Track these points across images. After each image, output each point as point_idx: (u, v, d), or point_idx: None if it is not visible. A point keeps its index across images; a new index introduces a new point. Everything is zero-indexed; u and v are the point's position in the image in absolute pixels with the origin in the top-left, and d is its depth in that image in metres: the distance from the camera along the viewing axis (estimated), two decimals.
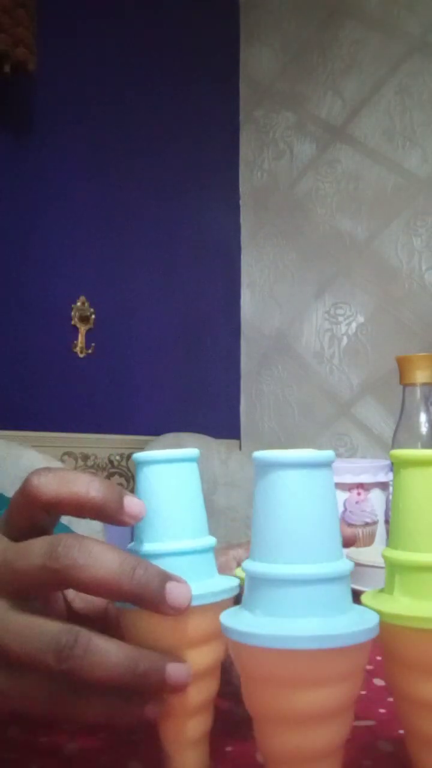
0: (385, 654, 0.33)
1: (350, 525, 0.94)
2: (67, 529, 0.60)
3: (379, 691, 0.47)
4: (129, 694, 0.34)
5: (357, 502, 0.94)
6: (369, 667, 0.31)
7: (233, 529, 1.85)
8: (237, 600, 0.36)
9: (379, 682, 0.49)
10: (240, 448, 2.43)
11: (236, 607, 0.32)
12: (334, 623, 0.29)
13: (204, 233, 2.41)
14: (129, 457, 2.03)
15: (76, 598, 0.42)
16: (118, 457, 2.03)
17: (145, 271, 2.17)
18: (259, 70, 2.55)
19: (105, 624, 0.37)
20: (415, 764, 0.33)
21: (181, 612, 0.32)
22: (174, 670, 0.33)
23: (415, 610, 0.32)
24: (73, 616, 0.41)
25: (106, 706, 0.34)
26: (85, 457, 1.95)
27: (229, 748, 0.39)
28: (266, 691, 0.30)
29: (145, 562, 0.33)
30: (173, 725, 0.35)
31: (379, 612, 0.31)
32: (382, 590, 0.34)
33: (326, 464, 0.31)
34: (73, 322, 1.95)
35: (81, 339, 1.96)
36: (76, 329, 1.95)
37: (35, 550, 0.33)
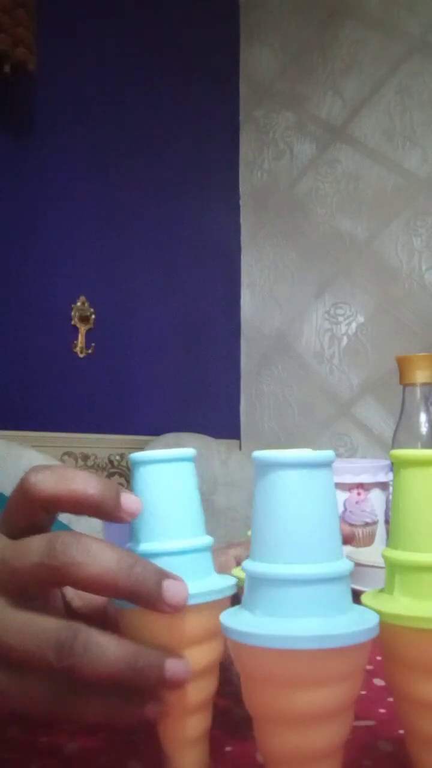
0: (385, 654, 0.33)
1: (350, 525, 0.94)
2: (64, 527, 0.60)
3: (379, 691, 0.47)
4: (129, 693, 0.34)
5: (357, 502, 0.94)
6: (369, 667, 0.31)
7: (233, 529, 1.85)
8: (235, 599, 0.36)
9: (379, 682, 0.49)
10: (240, 448, 2.43)
11: (236, 607, 0.32)
12: (334, 623, 0.29)
13: (204, 233, 2.41)
14: None
15: (75, 597, 0.42)
16: (118, 457, 2.03)
17: (145, 271, 2.17)
18: (259, 70, 2.55)
19: (103, 623, 0.37)
20: (415, 764, 0.33)
21: (177, 610, 0.32)
22: (173, 666, 0.33)
23: (415, 610, 0.32)
24: (71, 615, 0.41)
25: (106, 706, 0.34)
26: (85, 457, 1.95)
27: (229, 748, 0.39)
28: (266, 691, 0.30)
29: (142, 559, 0.33)
30: (172, 724, 0.35)
31: (379, 612, 0.31)
32: (382, 590, 0.34)
33: (326, 464, 0.31)
34: (73, 322, 1.95)
35: (81, 339, 1.96)
36: (76, 329, 1.95)
37: (33, 547, 0.33)
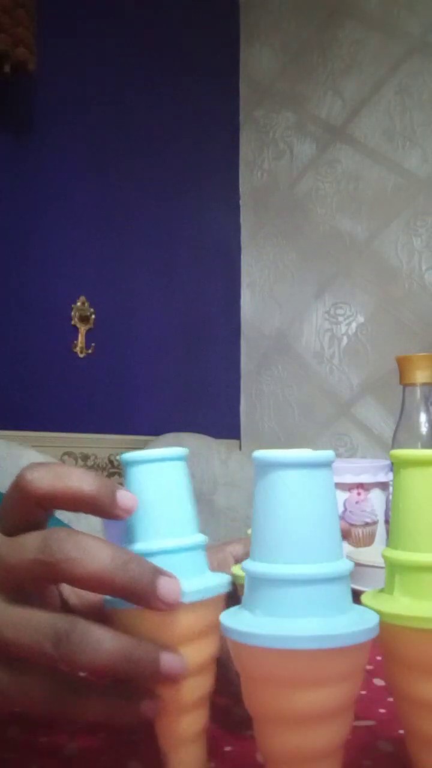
0: (385, 654, 0.33)
1: (350, 525, 0.94)
2: (61, 524, 0.60)
3: (379, 691, 0.47)
4: (128, 692, 0.34)
5: (357, 502, 0.94)
6: (369, 667, 0.31)
7: (233, 529, 1.85)
8: (230, 596, 0.36)
9: (379, 682, 0.49)
10: (240, 448, 2.43)
11: (236, 607, 0.32)
12: (334, 623, 0.29)
13: (204, 233, 2.41)
14: None
15: (72, 594, 0.42)
16: (118, 457, 2.03)
17: (145, 271, 2.17)
18: (259, 70, 2.55)
19: (100, 620, 0.38)
20: (415, 764, 0.33)
21: (172, 607, 0.33)
22: (168, 660, 0.33)
23: (415, 610, 0.32)
24: (68, 613, 0.41)
25: (105, 705, 0.34)
26: (85, 457, 1.95)
27: (229, 748, 0.39)
28: (266, 691, 0.30)
29: (137, 557, 0.33)
30: (169, 722, 0.35)
31: (379, 612, 0.31)
32: (382, 590, 0.34)
33: (326, 464, 0.31)
34: (73, 322, 1.95)
35: (81, 339, 1.96)
36: (76, 329, 1.95)
37: (29, 544, 0.33)
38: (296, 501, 0.30)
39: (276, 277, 2.47)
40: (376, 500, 0.95)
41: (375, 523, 0.95)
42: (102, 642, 0.32)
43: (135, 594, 0.33)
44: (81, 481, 0.34)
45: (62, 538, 0.32)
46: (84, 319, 1.97)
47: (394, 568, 0.34)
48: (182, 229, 2.31)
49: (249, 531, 0.42)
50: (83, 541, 0.33)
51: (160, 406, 2.18)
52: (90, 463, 1.96)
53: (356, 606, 0.31)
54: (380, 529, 0.95)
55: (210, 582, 0.35)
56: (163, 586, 0.32)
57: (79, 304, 1.96)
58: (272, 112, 2.51)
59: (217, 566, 0.38)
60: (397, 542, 0.33)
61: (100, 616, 0.35)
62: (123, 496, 0.35)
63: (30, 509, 0.35)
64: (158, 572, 0.33)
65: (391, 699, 0.41)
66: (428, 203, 2.17)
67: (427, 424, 0.93)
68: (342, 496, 0.94)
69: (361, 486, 0.95)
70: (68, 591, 0.41)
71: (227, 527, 1.87)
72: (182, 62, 2.33)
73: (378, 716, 0.44)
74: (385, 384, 2.18)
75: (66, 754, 0.39)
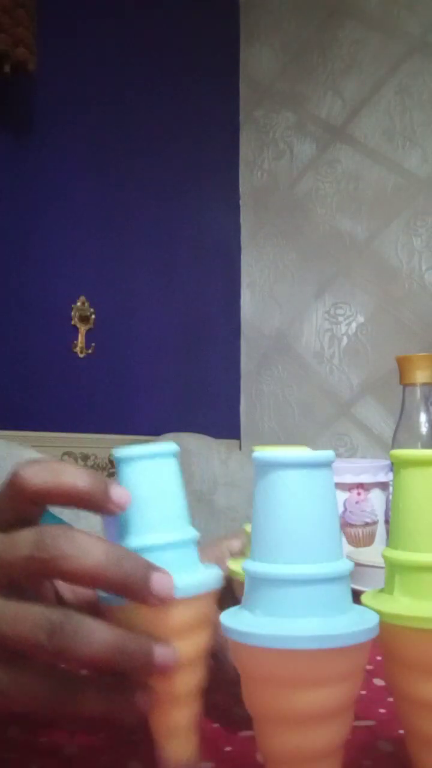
0: (385, 654, 0.33)
1: (350, 525, 0.94)
2: (54, 520, 0.60)
3: (379, 691, 0.47)
4: (123, 687, 0.34)
5: (357, 502, 0.94)
6: (369, 667, 0.31)
7: (233, 530, 1.85)
8: (225, 591, 0.37)
9: (379, 682, 0.49)
10: (240, 448, 2.43)
11: (236, 607, 0.32)
12: (334, 623, 0.29)
13: (204, 233, 2.41)
14: None
15: (66, 590, 0.42)
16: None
17: (145, 271, 2.17)
18: (259, 70, 2.55)
19: (94, 615, 0.38)
20: (415, 764, 0.33)
21: (165, 602, 0.33)
22: (160, 652, 0.33)
23: (415, 610, 0.32)
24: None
25: (101, 699, 0.34)
26: (85, 457, 1.95)
27: (229, 748, 0.39)
28: (266, 691, 0.30)
29: (130, 553, 0.34)
30: (162, 714, 0.35)
31: (379, 612, 0.31)
32: (382, 590, 0.34)
33: (326, 464, 0.31)
34: (73, 322, 1.95)
35: (81, 339, 1.96)
36: (76, 329, 1.95)
37: (23, 540, 0.33)
38: (296, 501, 0.30)
39: (276, 277, 2.47)
40: (376, 500, 0.95)
41: (375, 523, 0.95)
42: (96, 634, 0.32)
43: (129, 589, 0.33)
44: (74, 477, 0.35)
45: (56, 535, 0.33)
46: (84, 319, 1.97)
47: (394, 568, 0.34)
48: (182, 229, 2.31)
49: (246, 527, 0.43)
50: (77, 538, 0.33)
51: (160, 406, 2.18)
52: (90, 463, 1.96)
53: (356, 606, 0.31)
54: (380, 529, 0.95)
55: (202, 577, 0.36)
56: (157, 582, 0.33)
57: (79, 304, 1.96)
58: (272, 112, 2.51)
59: (214, 561, 0.39)
60: (397, 542, 0.33)
61: (94, 611, 0.35)
62: (116, 492, 0.35)
63: (24, 505, 0.35)
64: (151, 568, 0.33)
65: (391, 699, 0.41)
66: (428, 203, 2.17)
67: (427, 424, 0.93)
68: (342, 496, 0.94)
69: (361, 486, 0.95)
70: (63, 586, 0.42)
71: (227, 527, 1.87)
72: (182, 62, 2.33)
73: (378, 716, 0.44)
74: (385, 384, 2.18)
75: (66, 754, 0.39)
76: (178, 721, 0.36)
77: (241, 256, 2.54)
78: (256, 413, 2.48)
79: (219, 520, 1.90)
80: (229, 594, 0.41)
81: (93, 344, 1.98)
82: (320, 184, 2.38)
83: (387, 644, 0.32)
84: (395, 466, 0.34)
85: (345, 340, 2.31)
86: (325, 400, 2.33)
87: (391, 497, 0.35)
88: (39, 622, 0.32)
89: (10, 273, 1.80)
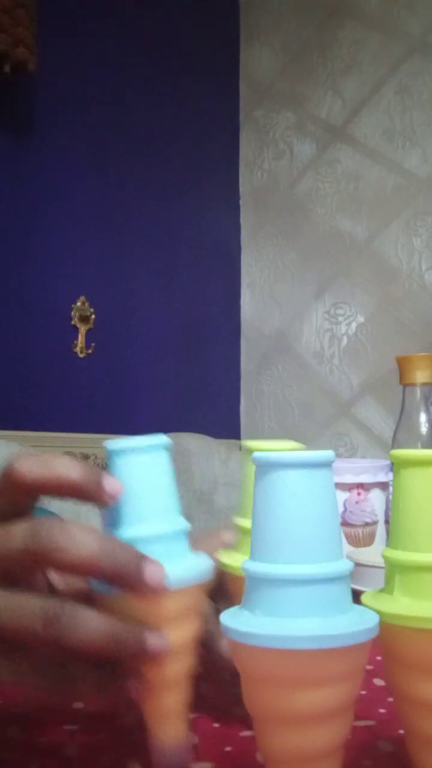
0: (385, 654, 0.33)
1: (350, 525, 0.94)
2: (44, 514, 0.61)
3: (379, 691, 0.47)
4: (116, 672, 0.35)
5: (357, 502, 0.94)
6: (369, 667, 0.31)
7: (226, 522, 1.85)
8: (217, 584, 0.38)
9: (379, 682, 0.49)
10: (240, 448, 2.43)
11: (236, 607, 0.32)
12: (334, 623, 0.29)
13: (204, 233, 2.41)
14: None
15: (58, 581, 0.43)
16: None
17: (145, 271, 2.17)
18: (259, 70, 2.55)
19: (87, 605, 0.39)
20: (415, 764, 0.33)
21: (157, 592, 0.34)
22: (152, 639, 0.34)
23: (415, 610, 0.32)
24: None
25: (94, 684, 0.35)
26: (85, 457, 1.95)
27: (229, 748, 0.39)
28: (266, 691, 0.30)
29: (123, 544, 0.34)
30: (153, 699, 0.36)
31: (379, 612, 0.31)
32: (382, 590, 0.34)
33: (326, 464, 0.31)
34: (73, 322, 1.95)
35: (81, 339, 1.96)
36: (76, 329, 1.95)
37: (18, 532, 0.34)
38: (296, 501, 0.30)
39: (276, 277, 2.47)
40: (376, 500, 0.95)
41: (375, 523, 0.95)
42: (91, 623, 0.33)
43: (122, 580, 0.34)
44: (68, 468, 0.35)
45: (51, 527, 0.33)
46: (84, 319, 1.97)
47: (394, 568, 0.34)
48: (182, 229, 2.31)
49: (237, 520, 0.43)
50: (71, 530, 0.34)
51: (160, 406, 2.18)
52: (90, 463, 1.96)
53: (356, 606, 0.31)
54: (380, 529, 0.95)
55: (193, 568, 0.37)
56: (149, 573, 0.34)
57: (79, 304, 1.96)
58: (272, 112, 2.51)
59: (207, 553, 0.39)
60: (397, 542, 0.33)
61: (86, 600, 0.36)
62: (109, 483, 0.36)
63: (18, 497, 0.36)
64: (144, 559, 0.34)
65: (391, 699, 0.41)
66: (428, 203, 2.17)
67: (427, 424, 0.93)
68: (342, 496, 0.94)
69: (361, 486, 0.95)
70: (54, 577, 0.42)
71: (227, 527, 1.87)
72: (182, 62, 2.33)
73: (378, 716, 0.44)
74: (385, 384, 2.18)
75: (66, 754, 0.39)
76: (168, 706, 0.37)
77: (241, 256, 2.54)
78: (256, 413, 2.48)
79: (219, 520, 1.90)
80: (221, 586, 0.42)
81: (93, 344, 1.98)
82: (320, 184, 2.38)
83: (387, 644, 0.32)
84: (395, 466, 0.34)
85: (345, 340, 2.31)
86: (325, 400, 2.33)
87: (391, 497, 0.35)
88: (35, 612, 0.33)
89: (10, 273, 1.80)
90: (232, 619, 0.31)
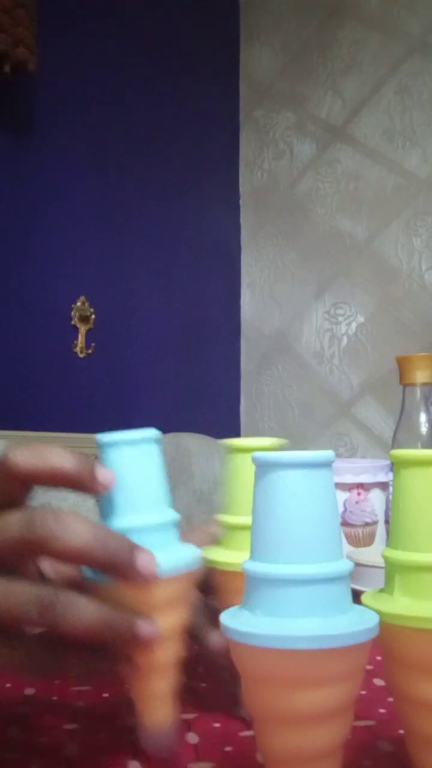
0: (385, 654, 0.33)
1: (350, 525, 0.94)
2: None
3: (379, 691, 0.47)
4: (107, 656, 0.37)
5: (357, 502, 0.94)
6: (369, 667, 0.31)
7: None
8: (204, 579, 0.39)
9: (379, 682, 0.49)
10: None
11: (236, 607, 0.32)
12: (334, 623, 0.29)
13: (204, 233, 2.41)
14: None
15: (49, 569, 0.44)
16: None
17: (145, 271, 2.17)
18: (259, 70, 2.55)
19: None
20: (415, 764, 0.33)
21: (148, 580, 0.35)
22: (143, 626, 0.35)
23: (415, 610, 0.32)
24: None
25: (84, 663, 0.37)
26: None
27: (229, 748, 0.39)
28: (266, 691, 0.30)
29: (116, 533, 0.35)
30: (142, 683, 0.38)
31: (379, 612, 0.31)
32: (382, 590, 0.34)
33: (326, 464, 0.31)
34: (73, 322, 1.95)
35: (81, 339, 1.96)
36: (76, 329, 1.95)
37: (13, 521, 0.35)
38: (296, 501, 0.30)
39: (276, 277, 2.47)
40: (376, 500, 0.95)
41: (375, 523, 0.95)
42: (84, 609, 0.34)
43: (115, 568, 0.35)
44: (62, 458, 0.36)
45: (46, 516, 0.34)
46: (84, 319, 1.97)
47: (394, 568, 0.34)
48: (182, 229, 2.31)
49: (220, 516, 0.43)
50: (66, 519, 0.34)
51: (160, 406, 2.18)
52: None
53: (356, 606, 0.31)
54: (380, 529, 0.95)
55: (182, 557, 0.38)
56: (141, 561, 0.35)
57: (79, 304, 1.96)
58: (272, 112, 2.51)
59: (198, 545, 0.41)
60: (397, 542, 0.33)
61: (76, 589, 0.37)
62: (101, 473, 0.37)
63: (13, 488, 0.37)
64: (136, 548, 0.35)
65: (391, 699, 0.41)
66: (428, 203, 2.17)
67: (427, 424, 0.93)
68: (342, 496, 0.94)
69: (361, 486, 0.95)
70: (46, 566, 0.43)
71: None
72: (182, 62, 2.33)
73: (378, 716, 0.44)
74: (385, 384, 2.18)
75: (66, 754, 0.39)
76: (157, 690, 0.38)
77: (241, 256, 2.54)
78: (256, 413, 2.48)
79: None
80: (208, 580, 0.43)
81: (93, 344, 1.98)
82: (320, 184, 2.38)
83: (387, 644, 0.32)
84: (395, 466, 0.34)
85: (345, 340, 2.31)
86: (325, 400, 2.33)
87: (391, 497, 0.35)
88: (30, 599, 0.34)
89: (10, 273, 1.80)
90: (232, 619, 0.31)
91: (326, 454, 0.31)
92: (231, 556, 0.42)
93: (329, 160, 2.36)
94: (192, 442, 1.95)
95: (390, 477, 0.95)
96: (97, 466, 0.37)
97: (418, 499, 0.33)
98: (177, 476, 1.86)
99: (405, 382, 0.95)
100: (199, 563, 0.39)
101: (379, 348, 2.23)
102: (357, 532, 0.94)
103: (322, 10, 2.40)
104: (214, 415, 2.37)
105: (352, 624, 0.29)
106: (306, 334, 2.39)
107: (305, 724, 0.29)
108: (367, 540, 0.94)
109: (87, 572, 0.37)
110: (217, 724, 0.42)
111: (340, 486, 0.94)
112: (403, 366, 0.95)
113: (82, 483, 0.37)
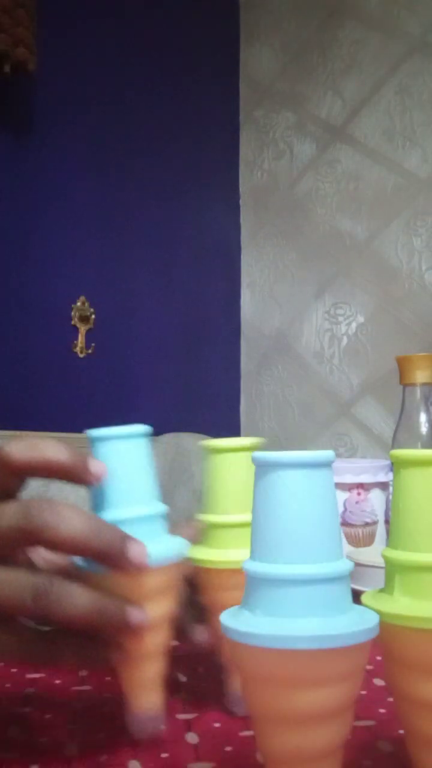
0: (385, 654, 0.33)
1: (350, 525, 0.94)
2: None
3: (379, 691, 0.47)
4: (98, 643, 0.38)
5: (357, 502, 0.94)
6: (369, 667, 0.31)
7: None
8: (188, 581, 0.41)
9: (379, 682, 0.49)
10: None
11: (236, 607, 0.32)
12: (334, 623, 0.29)
13: (204, 233, 2.41)
14: None
15: (39, 559, 0.45)
16: None
17: (145, 271, 2.17)
18: (259, 70, 2.55)
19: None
20: (415, 764, 0.33)
21: (140, 569, 0.36)
22: (134, 613, 0.37)
23: (415, 610, 0.32)
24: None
25: (75, 650, 0.39)
26: None
27: (229, 748, 0.39)
28: (266, 691, 0.30)
29: (108, 524, 0.37)
30: (131, 669, 0.39)
31: (379, 612, 0.31)
32: (382, 590, 0.34)
33: (326, 464, 0.31)
34: (73, 322, 1.95)
35: (81, 339, 1.96)
36: (76, 329, 1.95)
37: (9, 512, 0.36)
38: (296, 501, 0.30)
39: (276, 277, 2.47)
40: (376, 500, 0.95)
41: (375, 523, 0.95)
42: (77, 597, 0.36)
43: (108, 557, 0.36)
44: (56, 451, 0.37)
45: (41, 506, 0.35)
46: (84, 319, 1.97)
47: (394, 568, 0.34)
48: (182, 229, 2.31)
49: (202, 516, 0.45)
50: (60, 509, 0.35)
51: (160, 406, 2.18)
52: None
53: (356, 606, 0.31)
54: (380, 529, 0.95)
55: (170, 548, 0.39)
56: (133, 551, 0.36)
57: (79, 304, 1.96)
58: (272, 112, 2.51)
59: (188, 540, 0.43)
60: (397, 542, 0.34)
61: (67, 577, 0.38)
62: (94, 465, 0.38)
63: (8, 479, 0.38)
64: (127, 538, 0.36)
65: (391, 699, 0.41)
66: (428, 203, 2.17)
67: (427, 424, 0.93)
68: (342, 496, 0.94)
69: (361, 486, 0.95)
70: (36, 555, 0.44)
71: None
72: (182, 62, 2.33)
73: (378, 716, 0.44)
74: (385, 384, 2.18)
75: (66, 754, 0.39)
76: (145, 676, 0.39)
77: (241, 256, 2.54)
78: (256, 413, 2.48)
79: None
80: (190, 584, 0.45)
81: (93, 344, 1.98)
82: (320, 184, 2.38)
83: (387, 644, 0.32)
84: (395, 466, 0.34)
85: (345, 340, 2.31)
86: (325, 400, 2.33)
87: (391, 497, 0.35)
88: (25, 586, 0.35)
89: (10, 273, 1.80)
90: (232, 619, 0.31)
91: (326, 454, 0.31)
92: (212, 554, 0.43)
93: (329, 160, 2.36)
94: (192, 442, 1.95)
95: (390, 477, 0.95)
96: (90, 459, 0.38)
97: (418, 499, 0.33)
98: (177, 476, 1.86)
99: (405, 382, 0.95)
100: (186, 554, 0.40)
101: (379, 348, 2.23)
102: (357, 532, 0.94)
103: (322, 10, 2.40)
104: (214, 415, 2.37)
105: (352, 624, 0.29)
106: (306, 334, 2.39)
107: (305, 724, 0.29)
108: (367, 540, 0.94)
109: (80, 561, 0.38)
110: (217, 724, 0.42)
111: (340, 486, 0.94)
112: (403, 366, 0.95)
113: (76, 474, 0.38)
